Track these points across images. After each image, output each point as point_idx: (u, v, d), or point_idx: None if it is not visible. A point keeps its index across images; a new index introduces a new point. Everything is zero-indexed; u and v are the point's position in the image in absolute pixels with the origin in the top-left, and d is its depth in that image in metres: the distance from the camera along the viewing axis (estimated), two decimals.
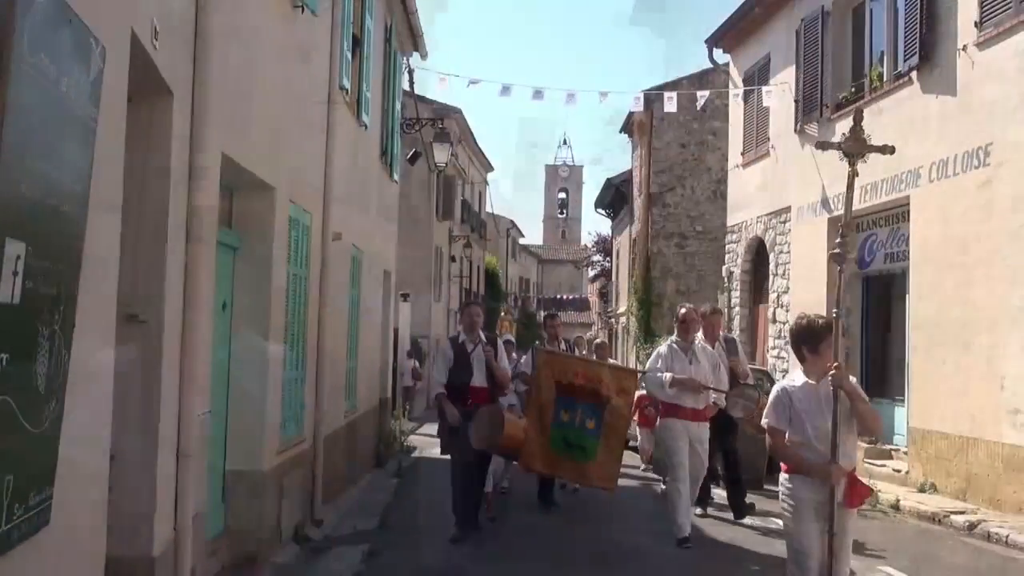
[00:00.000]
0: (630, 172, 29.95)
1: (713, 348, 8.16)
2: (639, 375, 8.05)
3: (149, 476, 4.38)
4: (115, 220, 3.63)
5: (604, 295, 43.07)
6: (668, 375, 7.57)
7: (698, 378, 7.64)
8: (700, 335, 8.10)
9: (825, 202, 13.40)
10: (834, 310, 4.67)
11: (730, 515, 8.78)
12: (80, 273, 2.91)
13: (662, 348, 7.97)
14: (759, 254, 16.79)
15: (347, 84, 9.10)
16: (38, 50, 2.35)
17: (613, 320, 35.48)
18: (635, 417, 9.42)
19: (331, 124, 8.55)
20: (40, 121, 2.43)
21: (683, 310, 7.98)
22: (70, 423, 2.91)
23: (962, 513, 9.01)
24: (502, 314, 30.77)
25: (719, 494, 9.38)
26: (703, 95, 16.22)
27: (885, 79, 12.27)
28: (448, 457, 7.96)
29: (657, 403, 8.14)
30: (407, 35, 14.11)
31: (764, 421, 4.66)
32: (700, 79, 22.52)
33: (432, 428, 18.94)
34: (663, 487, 9.38)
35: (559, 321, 10.44)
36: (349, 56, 9.23)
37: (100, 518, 3.60)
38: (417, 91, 17.57)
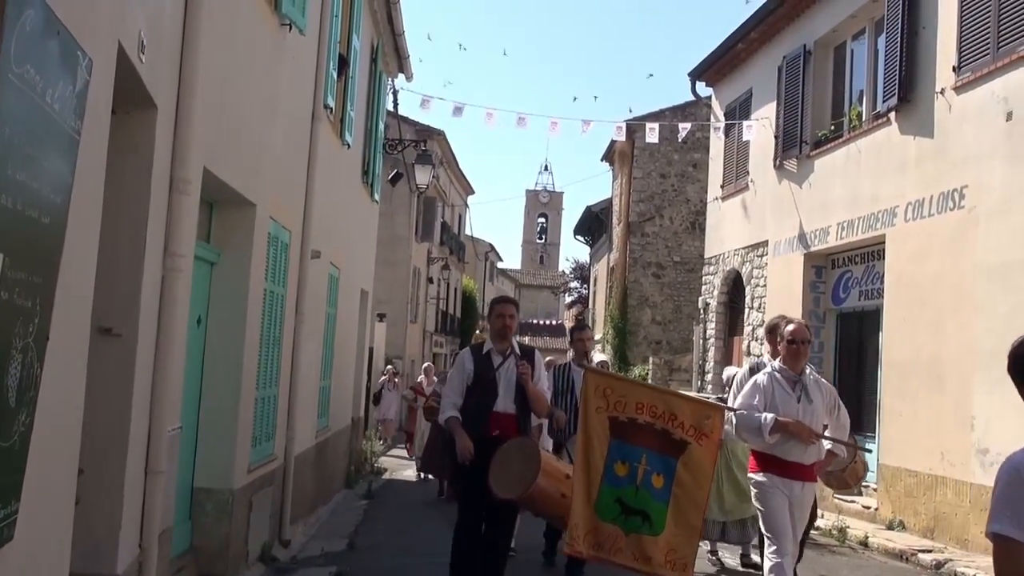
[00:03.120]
0: (610, 200, 30.12)
1: None
2: (727, 413, 5.73)
3: (116, 492, 4.32)
4: (94, 232, 3.61)
5: (580, 322, 43.08)
6: (769, 416, 5.47)
7: (809, 422, 5.53)
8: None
9: (802, 237, 13.52)
10: None
11: None
12: (56, 285, 2.88)
13: (760, 377, 5.75)
14: (736, 286, 16.90)
15: (332, 103, 9.11)
16: (24, 61, 2.34)
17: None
18: None
19: (314, 142, 8.55)
20: (24, 132, 2.41)
21: (792, 326, 5.74)
22: (40, 437, 2.87)
23: (929, 551, 9.05)
24: (478, 331, 30.91)
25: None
26: (685, 127, 16.37)
27: (864, 118, 12.44)
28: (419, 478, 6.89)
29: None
30: (393, 56, 14.17)
31: (991, 528, 2.41)
32: (682, 111, 22.75)
33: (402, 451, 18.91)
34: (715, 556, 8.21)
35: (589, 334, 7.68)
36: (335, 75, 9.24)
37: (65, 534, 3.54)
38: (401, 112, 17.63)
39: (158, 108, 4.50)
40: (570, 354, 8.13)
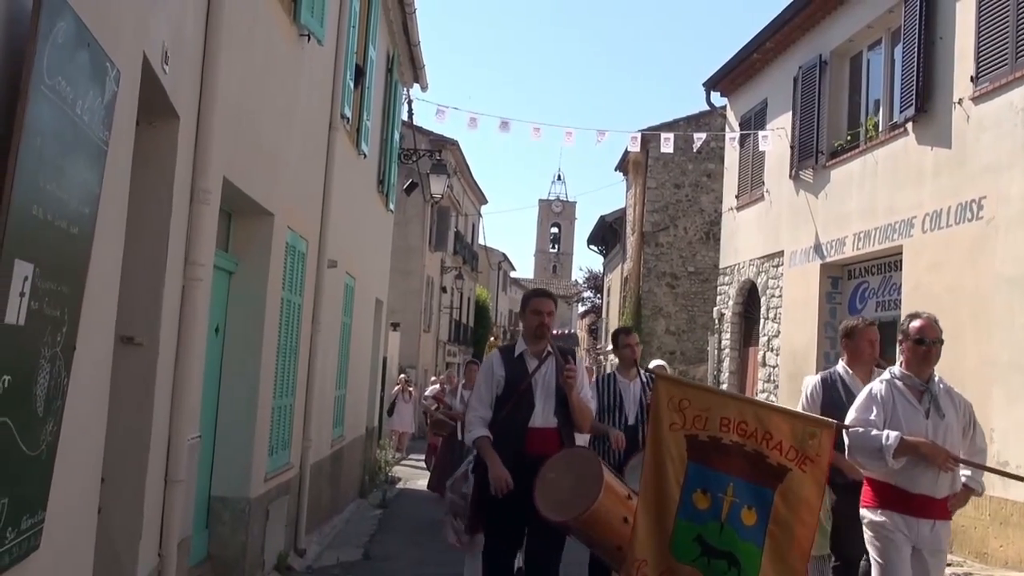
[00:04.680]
0: (624, 210, 30.10)
1: None
2: (838, 430, 4.41)
3: (137, 500, 4.33)
4: (118, 242, 3.63)
5: (593, 332, 43.06)
6: (893, 435, 4.40)
7: (942, 443, 4.48)
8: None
9: (818, 248, 13.47)
10: None
11: None
12: (83, 295, 2.90)
13: (877, 385, 4.68)
14: (751, 297, 16.84)
15: (348, 113, 9.15)
16: (56, 73, 2.36)
17: (602, 357, 35.46)
18: None
19: (331, 152, 8.58)
20: (55, 143, 2.43)
21: (919, 321, 4.66)
22: (65, 446, 2.88)
23: (948, 565, 8.96)
24: (492, 339, 30.96)
25: None
26: (700, 137, 16.34)
27: (880, 129, 12.39)
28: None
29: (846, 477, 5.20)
30: (408, 66, 14.22)
31: None
32: (697, 120, 22.73)
33: (418, 458, 18.75)
34: None
35: (636, 339, 6.53)
36: (351, 85, 9.28)
37: (88, 542, 3.55)
38: (416, 122, 17.69)
39: (180, 118, 4.52)
40: (583, 361, 7.12)
